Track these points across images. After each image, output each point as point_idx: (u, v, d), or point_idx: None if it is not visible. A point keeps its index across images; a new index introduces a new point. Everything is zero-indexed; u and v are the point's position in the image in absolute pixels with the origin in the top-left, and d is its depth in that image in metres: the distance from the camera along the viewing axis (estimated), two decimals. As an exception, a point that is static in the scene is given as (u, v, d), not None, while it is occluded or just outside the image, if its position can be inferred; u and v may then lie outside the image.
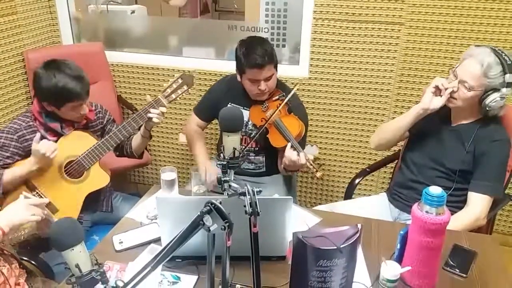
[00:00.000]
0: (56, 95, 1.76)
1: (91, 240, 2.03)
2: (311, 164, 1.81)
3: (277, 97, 2.05)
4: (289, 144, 1.87)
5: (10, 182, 1.78)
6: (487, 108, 1.66)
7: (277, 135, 1.98)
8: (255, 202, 0.90)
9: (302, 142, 2.00)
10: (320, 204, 2.77)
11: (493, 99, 1.63)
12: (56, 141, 1.85)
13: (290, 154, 1.83)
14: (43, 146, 1.73)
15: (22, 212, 1.32)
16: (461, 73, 1.67)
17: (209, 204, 0.88)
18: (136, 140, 2.05)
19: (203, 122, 2.28)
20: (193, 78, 1.96)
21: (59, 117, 1.85)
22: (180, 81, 1.93)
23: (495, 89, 1.63)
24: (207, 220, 0.87)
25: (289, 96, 2.01)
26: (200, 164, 2.14)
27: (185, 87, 1.94)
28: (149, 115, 1.89)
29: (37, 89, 1.80)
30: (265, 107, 2.05)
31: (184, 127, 2.37)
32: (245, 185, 0.96)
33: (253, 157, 2.20)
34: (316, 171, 1.80)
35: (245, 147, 2.16)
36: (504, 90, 1.62)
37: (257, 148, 2.18)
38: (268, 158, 2.20)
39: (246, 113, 2.10)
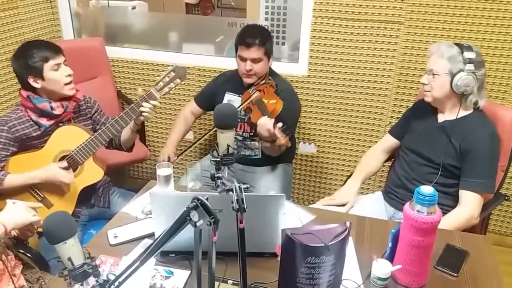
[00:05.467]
0: (33, 62, 1.81)
1: (88, 234, 2.05)
2: (279, 133, 1.94)
3: (264, 81, 2.16)
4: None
5: (10, 187, 1.82)
6: (461, 91, 1.71)
7: (257, 112, 2.07)
8: (242, 199, 0.91)
9: (288, 126, 2.03)
10: (317, 201, 2.77)
11: (459, 78, 1.69)
12: (52, 125, 1.88)
13: (261, 120, 1.96)
14: (66, 176, 1.86)
15: (24, 213, 1.40)
16: (427, 66, 1.80)
17: (196, 200, 0.89)
18: (125, 134, 2.05)
19: (199, 109, 2.42)
20: (185, 71, 1.93)
21: (48, 96, 1.87)
22: (172, 74, 1.90)
23: (461, 70, 1.70)
24: (194, 215, 0.88)
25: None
26: (166, 145, 2.36)
27: (178, 80, 1.91)
28: (141, 109, 1.87)
29: (17, 70, 1.85)
30: (252, 90, 2.15)
31: (180, 112, 2.52)
32: (232, 182, 0.97)
33: (248, 142, 2.30)
34: (283, 138, 1.94)
35: (242, 132, 2.30)
36: (467, 67, 1.68)
37: (252, 133, 2.27)
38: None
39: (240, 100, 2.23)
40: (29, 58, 1.81)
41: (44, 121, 1.87)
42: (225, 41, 2.86)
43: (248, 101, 2.10)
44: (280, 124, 1.94)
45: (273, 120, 1.96)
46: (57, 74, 1.85)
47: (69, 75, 1.88)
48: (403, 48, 2.45)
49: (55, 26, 2.94)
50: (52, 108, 1.86)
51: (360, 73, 2.55)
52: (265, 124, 1.94)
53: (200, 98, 2.42)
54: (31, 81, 1.84)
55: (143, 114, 1.89)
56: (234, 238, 1.04)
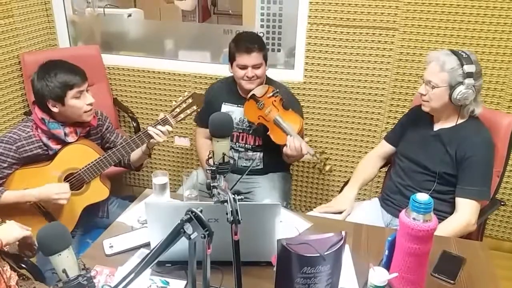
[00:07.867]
0: (57, 87, 1.75)
1: (85, 244, 2.03)
2: (318, 158, 1.89)
3: (271, 94, 2.07)
4: (289, 136, 1.93)
5: (6, 204, 1.80)
6: (459, 103, 1.71)
7: (279, 132, 2.01)
8: (236, 210, 0.91)
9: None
10: (314, 208, 2.77)
11: (459, 92, 1.68)
12: (60, 150, 1.85)
13: (291, 142, 1.91)
14: (58, 189, 1.80)
15: (16, 230, 1.48)
16: (425, 76, 1.78)
17: (190, 213, 0.88)
18: (135, 154, 2.02)
19: (206, 129, 2.24)
20: (203, 98, 1.91)
21: (63, 122, 1.84)
22: (190, 100, 1.87)
23: (461, 83, 1.68)
24: (188, 228, 0.88)
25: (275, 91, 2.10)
26: None
27: (194, 107, 1.88)
28: (152, 134, 1.85)
29: (37, 92, 1.78)
30: (260, 104, 2.07)
31: (195, 143, 2.50)
32: (227, 193, 0.97)
33: (251, 153, 2.25)
34: (324, 164, 1.90)
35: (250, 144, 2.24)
36: (466, 80, 1.67)
37: (254, 145, 2.24)
38: (265, 155, 2.25)
39: (241, 110, 2.17)
40: (52, 81, 1.75)
41: (54, 145, 1.84)
42: (221, 48, 2.86)
43: (264, 120, 2.05)
44: (306, 139, 1.95)
45: (300, 139, 1.92)
46: (78, 102, 1.80)
47: (90, 104, 1.83)
48: (398, 54, 2.46)
49: (51, 34, 2.94)
50: (65, 135, 1.83)
51: (356, 79, 2.56)
52: (295, 147, 1.90)
53: (202, 119, 2.25)
54: (49, 105, 1.78)
55: (154, 137, 1.86)
56: (230, 247, 1.04)
